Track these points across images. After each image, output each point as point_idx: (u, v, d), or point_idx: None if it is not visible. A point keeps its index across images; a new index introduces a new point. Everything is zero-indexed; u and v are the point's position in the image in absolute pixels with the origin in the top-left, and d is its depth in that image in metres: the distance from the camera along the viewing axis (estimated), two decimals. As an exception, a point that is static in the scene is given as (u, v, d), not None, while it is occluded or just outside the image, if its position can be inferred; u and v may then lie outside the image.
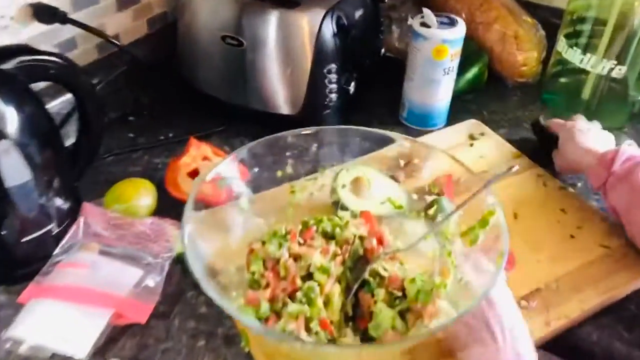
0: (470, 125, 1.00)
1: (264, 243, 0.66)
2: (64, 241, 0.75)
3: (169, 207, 0.83)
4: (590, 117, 1.04)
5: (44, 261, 0.73)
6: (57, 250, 0.74)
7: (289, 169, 0.76)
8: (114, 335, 0.68)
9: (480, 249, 0.62)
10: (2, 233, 0.69)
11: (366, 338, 0.61)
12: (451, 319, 0.57)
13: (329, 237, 0.68)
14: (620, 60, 0.97)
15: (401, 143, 0.95)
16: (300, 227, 0.69)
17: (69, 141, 0.83)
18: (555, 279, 0.74)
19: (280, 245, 0.65)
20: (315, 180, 0.77)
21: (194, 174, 0.85)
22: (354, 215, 0.74)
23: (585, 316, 0.72)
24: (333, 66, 0.94)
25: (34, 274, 0.72)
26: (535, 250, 0.78)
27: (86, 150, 0.79)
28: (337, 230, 0.68)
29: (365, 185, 0.78)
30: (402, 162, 0.80)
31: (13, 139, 0.65)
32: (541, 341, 0.68)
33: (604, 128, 0.93)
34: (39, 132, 0.70)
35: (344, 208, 0.76)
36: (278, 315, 0.60)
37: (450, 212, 0.67)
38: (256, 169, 0.92)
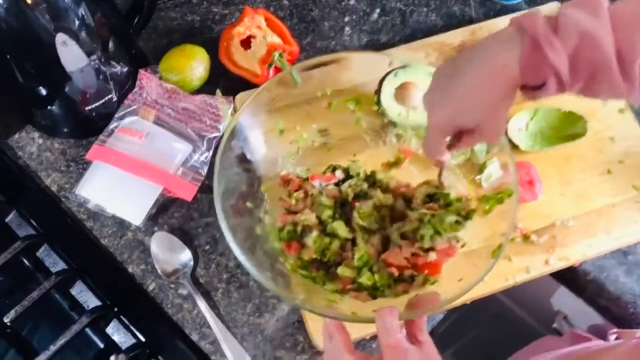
0: (549, 11, 0.91)
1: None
2: (124, 105, 0.81)
3: (220, 75, 0.86)
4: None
5: (107, 120, 0.81)
6: (117, 114, 0.81)
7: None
8: (164, 204, 0.79)
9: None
10: (68, 106, 0.76)
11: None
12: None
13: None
14: None
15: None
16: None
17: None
18: (573, 216, 0.76)
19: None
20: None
21: (246, 42, 0.85)
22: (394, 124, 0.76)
23: (586, 260, 0.76)
24: None
25: (98, 131, 0.80)
26: (564, 183, 0.78)
27: (141, 18, 0.80)
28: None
29: (412, 93, 0.77)
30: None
31: (71, 30, 0.68)
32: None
33: None
34: (95, 12, 0.71)
35: (386, 115, 0.77)
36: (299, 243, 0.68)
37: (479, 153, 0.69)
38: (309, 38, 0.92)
